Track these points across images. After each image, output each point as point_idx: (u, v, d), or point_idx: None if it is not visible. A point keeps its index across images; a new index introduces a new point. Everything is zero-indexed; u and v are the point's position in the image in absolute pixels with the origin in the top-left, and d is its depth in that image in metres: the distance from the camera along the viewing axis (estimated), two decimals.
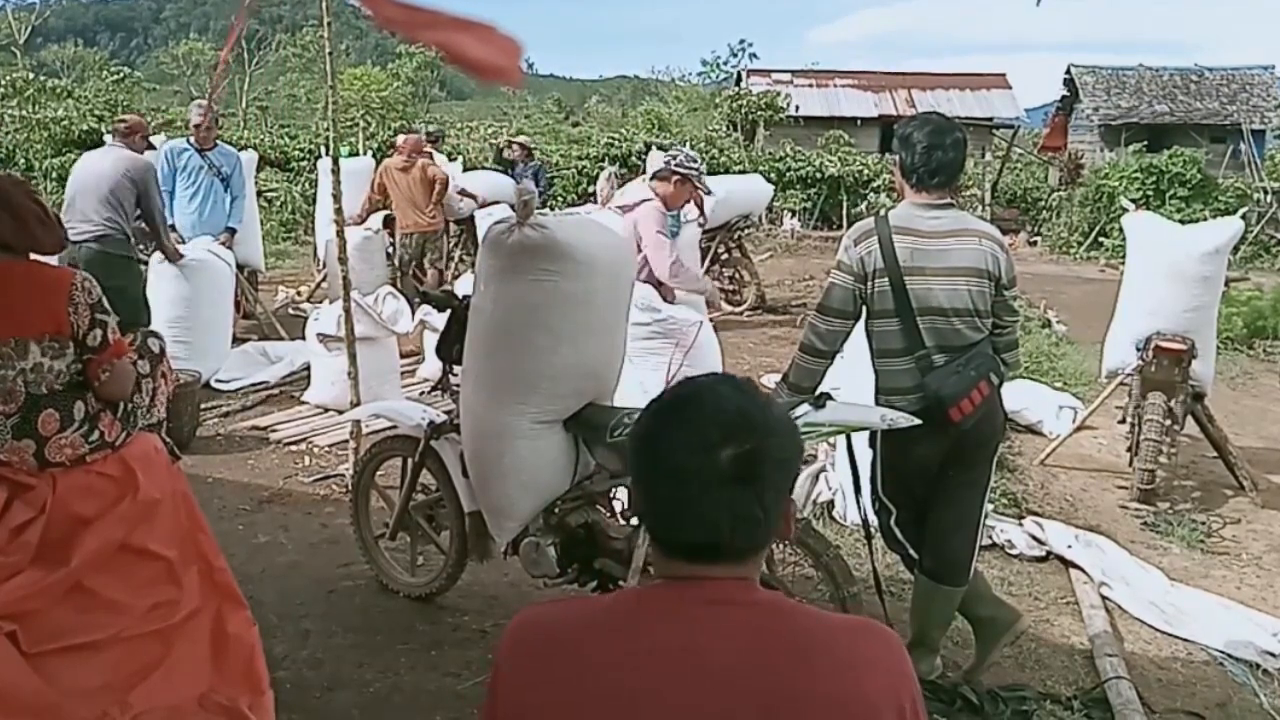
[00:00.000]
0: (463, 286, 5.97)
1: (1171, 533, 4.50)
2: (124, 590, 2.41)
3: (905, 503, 3.04)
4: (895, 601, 3.38)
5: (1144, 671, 3.31)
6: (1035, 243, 17.38)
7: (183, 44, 41.57)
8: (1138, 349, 5.01)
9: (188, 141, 7.16)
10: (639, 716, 1.07)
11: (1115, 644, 3.40)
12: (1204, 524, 4.61)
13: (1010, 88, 29.84)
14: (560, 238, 2.88)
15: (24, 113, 16.74)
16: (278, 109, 30.41)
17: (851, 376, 3.38)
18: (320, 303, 7.35)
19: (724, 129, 22.83)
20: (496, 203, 8.80)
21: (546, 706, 1.10)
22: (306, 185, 15.63)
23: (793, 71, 30.95)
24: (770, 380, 3.12)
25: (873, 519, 3.04)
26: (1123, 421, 5.27)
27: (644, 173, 7.56)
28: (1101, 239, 16.04)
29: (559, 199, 16.49)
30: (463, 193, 9.06)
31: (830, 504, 4.36)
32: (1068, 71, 28.25)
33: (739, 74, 32.53)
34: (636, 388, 4.00)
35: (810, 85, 29.52)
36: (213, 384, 6.28)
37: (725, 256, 9.38)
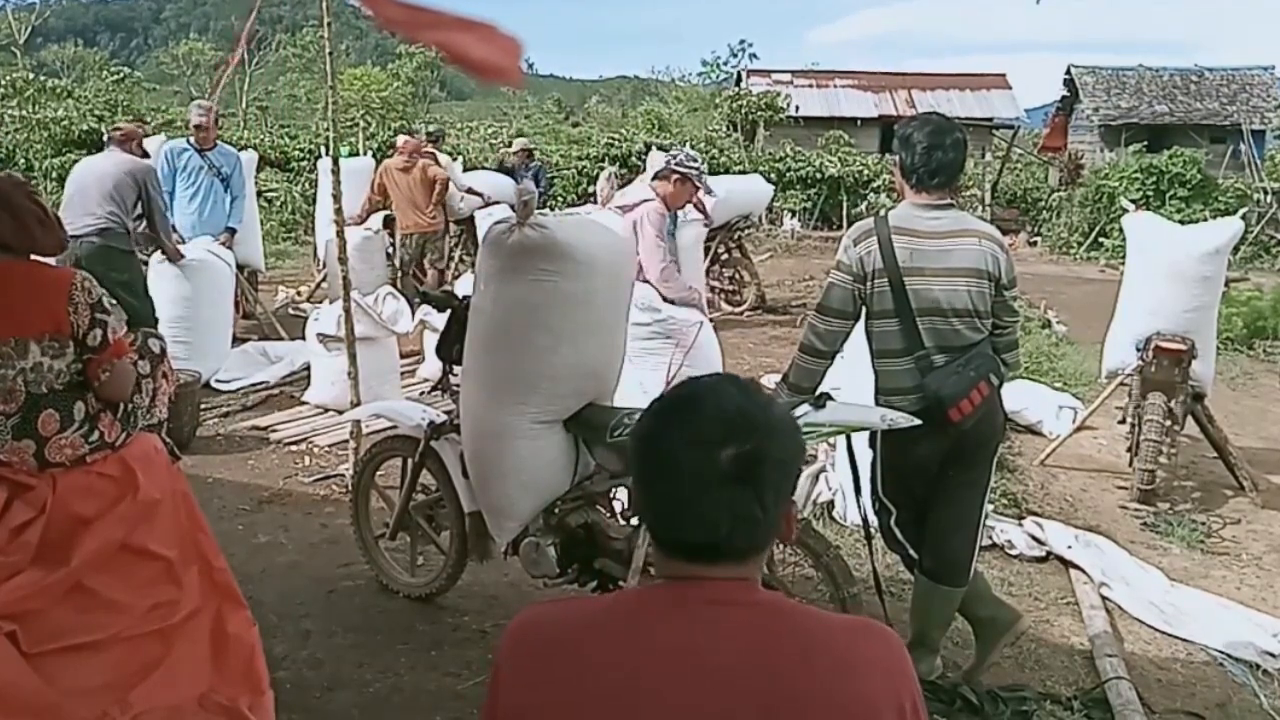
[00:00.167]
0: (463, 286, 5.98)
1: (1171, 533, 4.50)
2: (124, 590, 2.41)
3: (905, 503, 3.04)
4: (895, 601, 3.38)
5: (1144, 672, 3.31)
6: (1035, 243, 17.38)
7: (183, 44, 41.59)
8: (1138, 349, 5.01)
9: (188, 141, 7.16)
10: (639, 716, 1.07)
11: (1115, 644, 3.40)
12: (1204, 524, 4.61)
13: (1010, 88, 29.85)
14: (560, 238, 2.88)
15: (24, 113, 16.75)
16: (278, 109, 30.42)
17: (851, 376, 3.38)
18: (320, 303, 7.35)
19: (724, 129, 22.83)
20: (497, 203, 8.80)
21: (546, 706, 1.10)
22: (306, 185, 15.64)
23: (793, 72, 30.96)
24: (770, 380, 3.12)
25: (873, 519, 3.04)
26: (1123, 422, 5.27)
27: (644, 173, 7.58)
28: (1101, 239, 16.04)
29: (559, 199, 16.50)
30: (470, 190, 9.07)
31: (830, 504, 4.36)
32: (1068, 72, 28.26)
33: (739, 74, 32.53)
34: (636, 388, 4.00)
35: (810, 85, 29.53)
36: (213, 384, 6.28)
37: (725, 256, 9.38)
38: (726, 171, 15.69)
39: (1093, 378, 6.50)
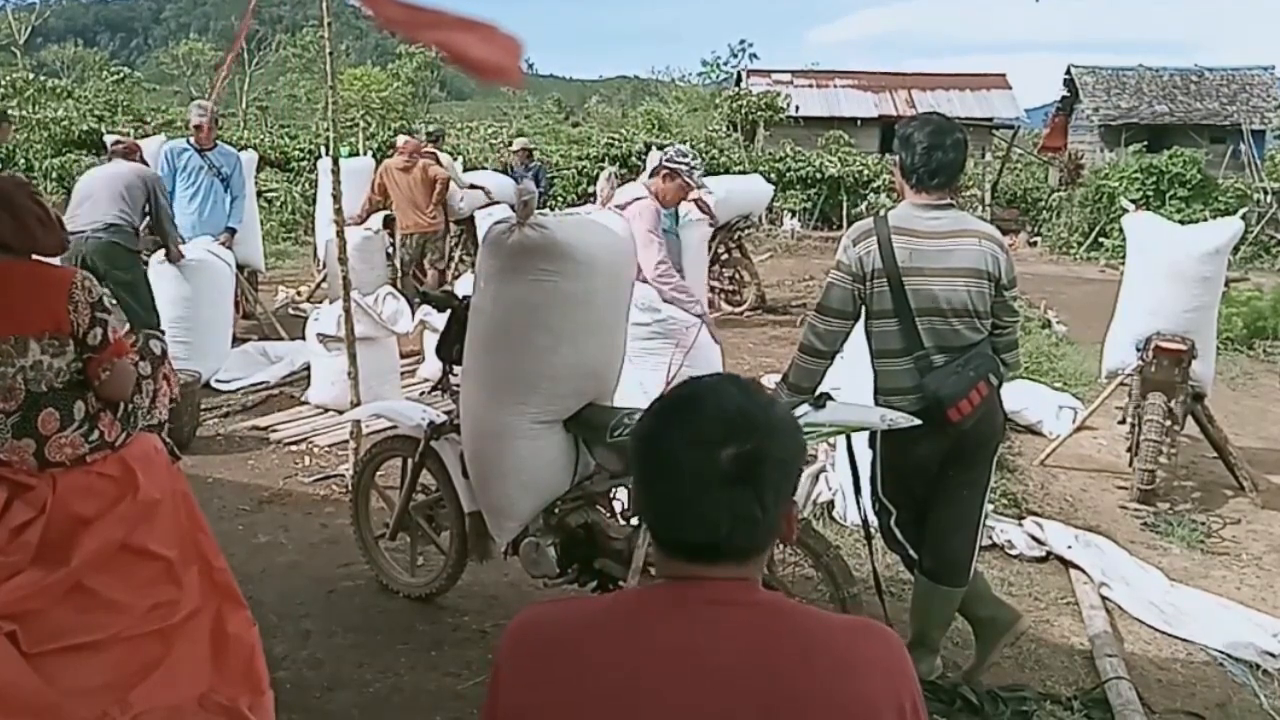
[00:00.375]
0: (463, 286, 5.99)
1: (1171, 533, 4.50)
2: (124, 590, 2.41)
3: (905, 503, 3.03)
4: (895, 601, 3.38)
5: (1144, 672, 3.31)
6: (1035, 243, 17.38)
7: (183, 44, 41.57)
8: (1138, 349, 5.01)
9: (187, 141, 7.17)
10: (639, 716, 1.07)
11: (1115, 644, 3.40)
12: (1204, 524, 4.61)
13: (1010, 88, 29.84)
14: (560, 238, 2.88)
15: (24, 113, 16.75)
16: (278, 109, 30.42)
17: (851, 376, 3.38)
18: (320, 303, 7.35)
19: (724, 129, 22.84)
20: (497, 203, 8.81)
21: (547, 707, 1.10)
22: (306, 185, 15.65)
23: (793, 72, 30.96)
24: (770, 380, 3.12)
25: (873, 519, 3.04)
26: (1123, 422, 5.27)
27: (644, 173, 7.55)
28: (1101, 239, 16.05)
29: (559, 199, 16.50)
30: (473, 186, 9.08)
31: (830, 504, 4.36)
32: (1068, 72, 28.26)
33: (739, 74, 32.53)
34: (636, 388, 4.00)
35: (810, 85, 29.53)
36: (213, 384, 6.29)
37: (725, 256, 9.38)
38: (726, 171, 15.69)
39: (1093, 378, 6.50)
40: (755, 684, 1.06)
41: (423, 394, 5.62)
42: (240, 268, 7.22)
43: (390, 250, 8.59)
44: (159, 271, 6.25)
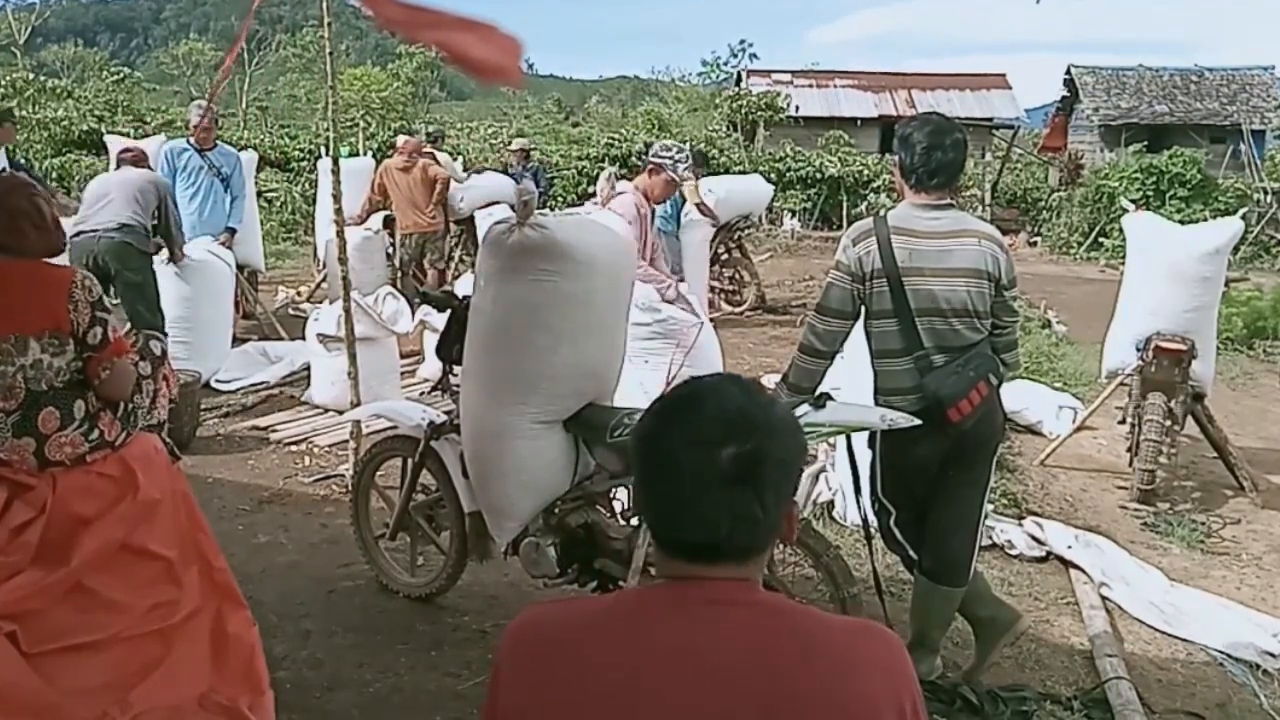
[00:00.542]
0: (463, 286, 5.98)
1: (1171, 533, 4.50)
2: (124, 590, 2.41)
3: (905, 503, 3.03)
4: (895, 602, 3.38)
5: (1144, 672, 3.31)
6: (1035, 243, 17.38)
7: (183, 44, 41.54)
8: (1138, 349, 5.01)
9: (187, 141, 7.17)
10: (639, 716, 1.07)
11: (1115, 644, 3.40)
12: (1204, 524, 4.61)
13: (1010, 88, 29.83)
14: (560, 238, 2.88)
15: (24, 113, 16.74)
16: (278, 109, 30.40)
17: (851, 376, 3.38)
18: (320, 303, 7.35)
19: (724, 129, 22.83)
20: (497, 203, 8.80)
21: (547, 707, 1.10)
22: (306, 185, 15.65)
23: (793, 72, 30.94)
24: (770, 381, 3.12)
25: (873, 519, 3.04)
26: (1123, 422, 5.27)
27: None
28: (1101, 239, 16.04)
29: (559, 199, 16.50)
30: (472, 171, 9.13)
31: (830, 504, 4.36)
32: (1068, 72, 28.25)
33: (739, 74, 32.52)
34: (636, 388, 4.00)
35: (810, 85, 29.51)
36: (213, 384, 6.29)
37: (725, 256, 9.39)
38: (726, 171, 15.69)
39: (1093, 378, 6.50)
40: (755, 684, 1.06)
41: (423, 394, 5.62)
42: (240, 268, 7.22)
43: (390, 250, 8.59)
44: (159, 271, 6.25)
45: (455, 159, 11.16)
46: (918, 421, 2.72)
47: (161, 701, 2.38)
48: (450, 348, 3.38)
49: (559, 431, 3.05)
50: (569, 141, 20.11)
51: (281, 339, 7.27)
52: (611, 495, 3.22)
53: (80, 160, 15.93)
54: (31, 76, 20.57)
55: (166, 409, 2.79)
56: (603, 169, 9.54)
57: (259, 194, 11.36)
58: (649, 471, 1.16)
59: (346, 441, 4.92)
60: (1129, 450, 5.11)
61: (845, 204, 18.37)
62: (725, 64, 45.02)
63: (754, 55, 46.70)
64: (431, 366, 6.19)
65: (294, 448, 5.37)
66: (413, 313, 6.55)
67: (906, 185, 2.88)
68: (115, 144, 8.55)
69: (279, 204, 15.60)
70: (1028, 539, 4.19)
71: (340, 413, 5.47)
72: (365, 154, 11.73)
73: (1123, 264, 5.93)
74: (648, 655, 1.09)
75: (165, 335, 5.71)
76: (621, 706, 1.07)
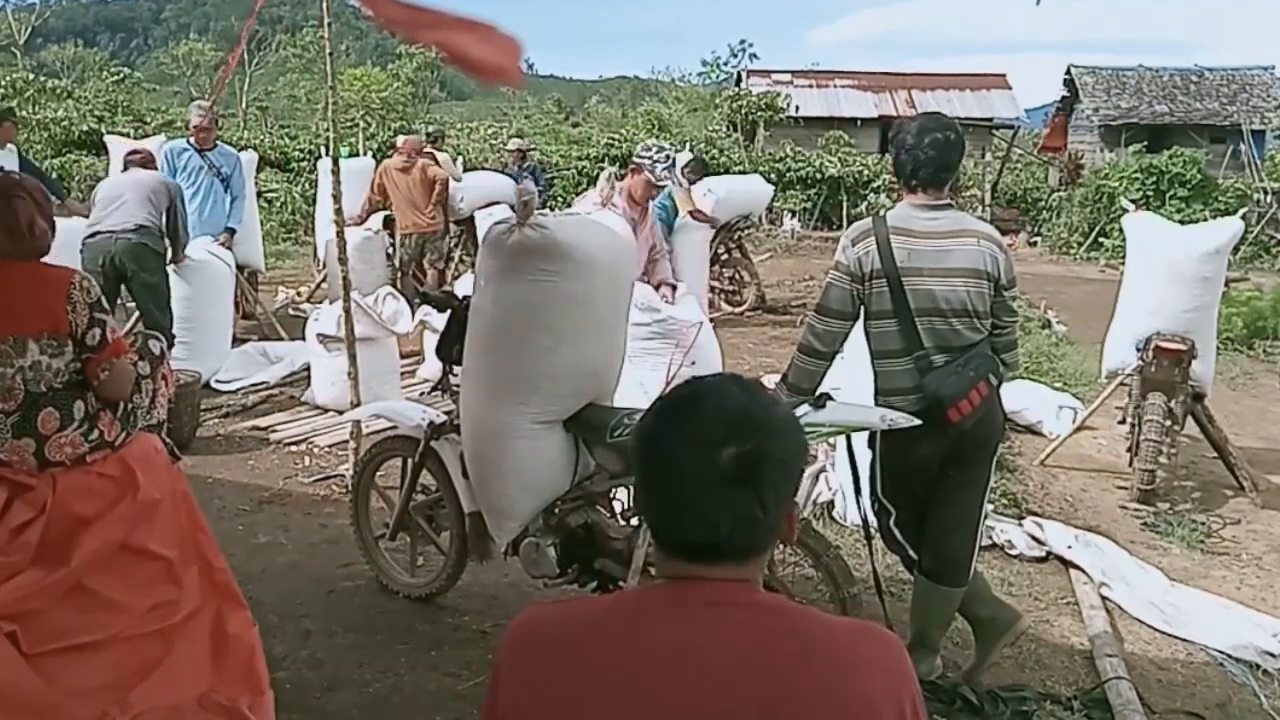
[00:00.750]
0: (463, 286, 5.99)
1: (1171, 533, 4.50)
2: (124, 590, 2.41)
3: (905, 503, 3.03)
4: (895, 602, 3.38)
5: (1144, 672, 3.31)
6: (1035, 243, 17.39)
7: (183, 44, 41.55)
8: (1138, 349, 5.01)
9: (187, 142, 7.16)
10: (639, 716, 1.07)
11: (1115, 644, 3.40)
12: (1204, 524, 4.61)
13: (1010, 88, 29.84)
14: (560, 238, 2.88)
15: (24, 113, 16.75)
16: (278, 109, 30.40)
17: (851, 376, 3.38)
18: (320, 303, 7.35)
19: (724, 129, 22.84)
20: (496, 203, 8.81)
21: (547, 707, 1.10)
22: (306, 186, 15.65)
23: (793, 72, 30.95)
24: (770, 381, 3.12)
25: (873, 519, 3.04)
26: (1123, 422, 5.27)
27: None
28: (1101, 239, 16.05)
29: (559, 199, 16.51)
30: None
31: (830, 504, 4.36)
32: (1068, 72, 28.25)
33: (739, 74, 32.53)
34: (636, 388, 4.00)
35: (810, 86, 29.52)
36: (213, 384, 6.29)
37: (725, 256, 9.39)
38: (726, 172, 15.69)
39: (1093, 378, 6.50)
40: (755, 684, 1.06)
41: (423, 394, 5.62)
42: (240, 268, 7.22)
43: (390, 250, 8.59)
44: None
45: (455, 159, 11.16)
46: (918, 421, 2.72)
47: (161, 701, 2.38)
48: (450, 348, 3.38)
49: (559, 431, 3.04)
50: (569, 142, 20.12)
51: (281, 339, 7.27)
52: (611, 495, 3.22)
53: (80, 161, 15.93)
54: (31, 77, 20.58)
55: (166, 408, 2.79)
56: (603, 169, 9.55)
57: (259, 194, 11.36)
58: (649, 471, 1.16)
59: (346, 441, 4.92)
60: (1129, 450, 5.11)
61: (845, 204, 18.37)
62: (725, 64, 45.07)
63: (754, 55, 46.78)
64: (431, 366, 6.19)
65: (294, 448, 5.37)
66: (413, 313, 6.55)
67: (903, 186, 2.89)
68: (115, 144, 8.57)
69: (279, 204, 15.60)
70: (1028, 539, 4.19)
71: (340, 413, 5.47)
72: (365, 154, 11.73)
73: (1123, 264, 5.93)
74: (648, 655, 1.09)
75: (174, 336, 5.79)
76: (621, 706, 1.07)
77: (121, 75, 25.79)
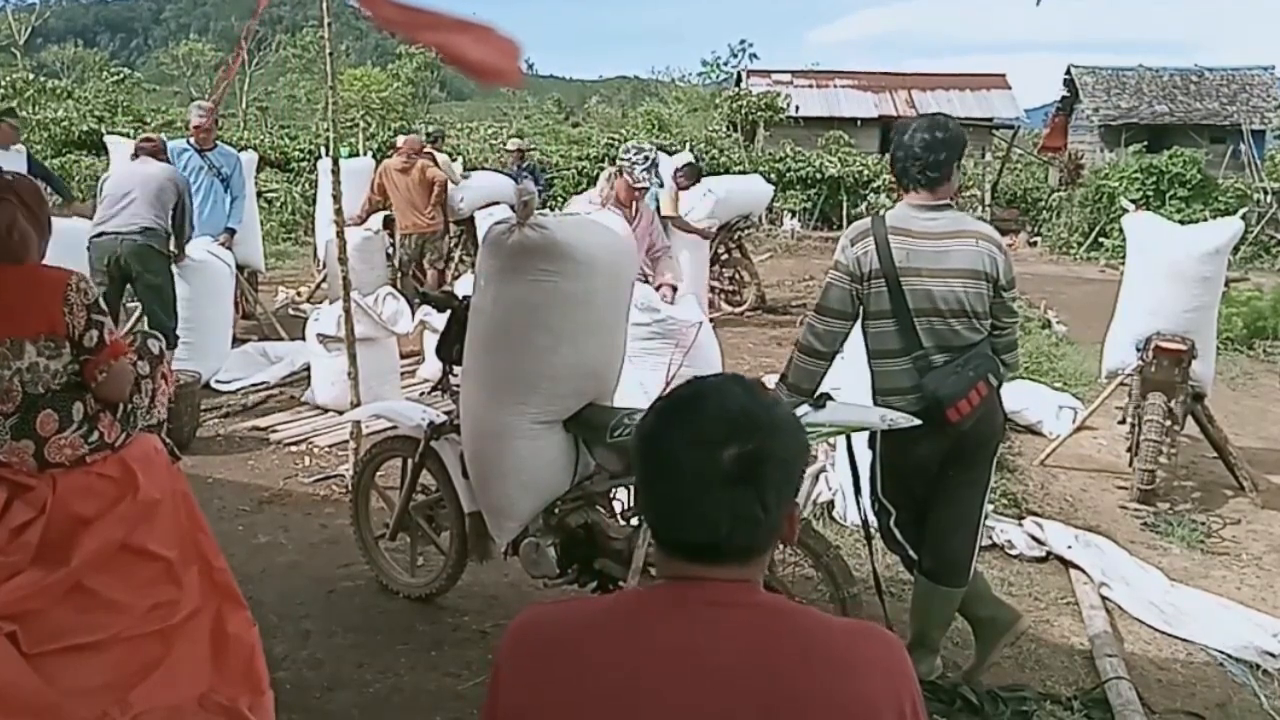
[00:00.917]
0: (463, 286, 5.99)
1: (1171, 533, 4.50)
2: (124, 590, 2.41)
3: (905, 503, 3.03)
4: (895, 602, 3.38)
5: (1144, 672, 3.31)
6: (1035, 243, 17.39)
7: (183, 45, 41.51)
8: (1138, 349, 5.01)
9: (187, 142, 7.16)
10: (639, 716, 1.07)
11: (1115, 644, 3.40)
12: (1204, 524, 4.61)
13: (1010, 88, 29.83)
14: (560, 238, 2.88)
15: (24, 113, 16.73)
16: (278, 109, 30.39)
17: (851, 376, 3.38)
18: (320, 303, 7.35)
19: (724, 129, 22.84)
20: (496, 203, 8.80)
21: (547, 707, 1.10)
22: (306, 186, 15.65)
23: (793, 72, 30.95)
24: (770, 381, 3.12)
25: (873, 519, 3.04)
26: (1123, 422, 5.27)
27: None
28: (1101, 239, 16.05)
29: (559, 199, 16.51)
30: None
31: (830, 504, 4.36)
32: (1068, 72, 28.25)
33: (739, 74, 32.52)
34: (636, 388, 4.00)
35: (810, 86, 29.51)
36: (213, 384, 6.29)
37: (725, 256, 9.39)
38: (726, 172, 15.69)
39: (1093, 378, 6.50)
40: (755, 684, 1.06)
41: (423, 394, 5.62)
42: (240, 268, 7.22)
43: (390, 250, 8.59)
44: None
45: (455, 159, 11.15)
46: (918, 421, 2.72)
47: (161, 701, 2.38)
48: (450, 348, 3.38)
49: (559, 431, 3.04)
50: (569, 142, 20.12)
51: (281, 339, 7.27)
52: (611, 495, 3.22)
53: (80, 161, 15.93)
54: (31, 77, 20.58)
55: (166, 408, 2.79)
56: (603, 169, 9.55)
57: (259, 194, 11.36)
58: (650, 471, 1.16)
59: (346, 441, 4.92)
60: (1129, 450, 5.10)
61: (845, 204, 18.38)
62: (725, 64, 45.04)
63: (754, 55, 46.73)
64: (431, 366, 6.19)
65: (294, 448, 5.37)
66: (413, 313, 6.55)
67: (900, 186, 2.90)
68: (115, 145, 8.56)
69: (279, 204, 15.59)
70: (1028, 539, 4.19)
71: (340, 413, 5.47)
72: (365, 154, 11.73)
73: (1123, 264, 5.93)
74: (648, 655, 1.09)
75: (177, 337, 5.79)
76: (621, 706, 1.07)
77: (121, 75, 25.80)
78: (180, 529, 2.56)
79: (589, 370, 3.05)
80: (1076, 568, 4.00)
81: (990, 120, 25.93)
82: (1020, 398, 5.79)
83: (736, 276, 9.52)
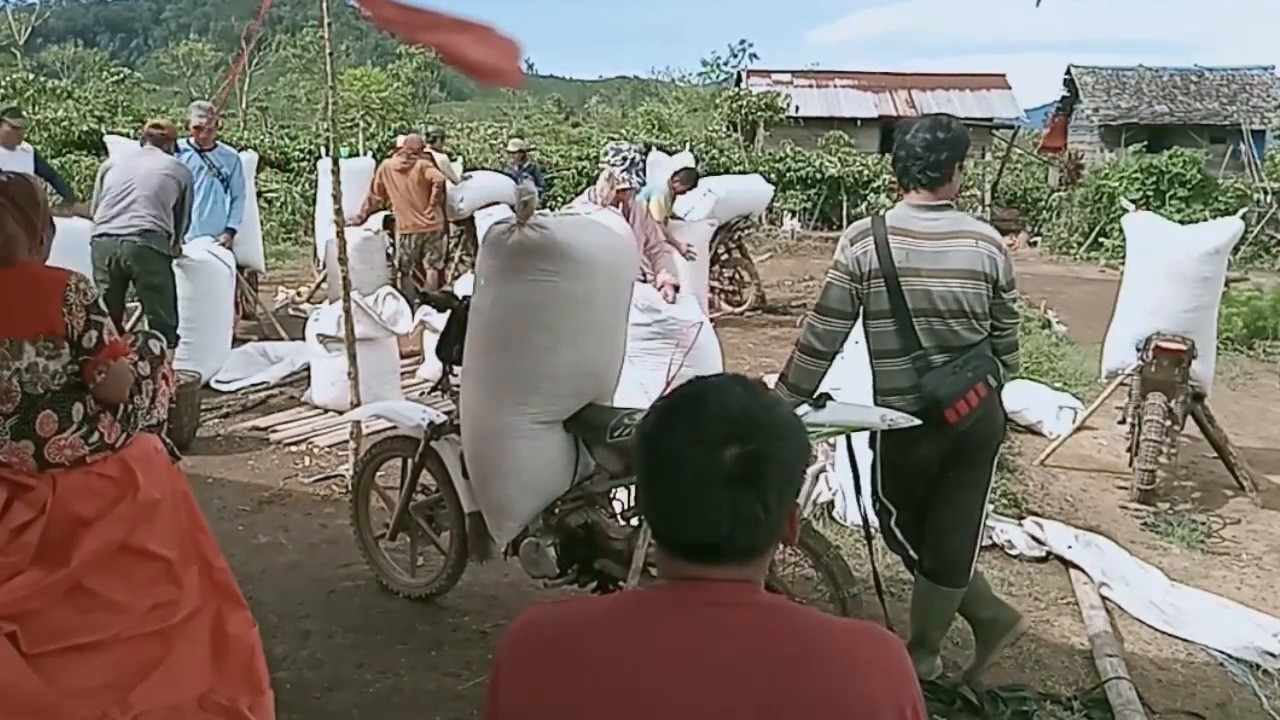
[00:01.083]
0: (463, 286, 5.99)
1: (1171, 533, 4.50)
2: (124, 590, 2.41)
3: (905, 503, 3.03)
4: (895, 602, 3.38)
5: (1144, 672, 3.31)
6: (1035, 243, 17.39)
7: (183, 45, 41.50)
8: (1138, 349, 5.01)
9: (188, 142, 7.16)
10: (639, 717, 1.07)
11: (1115, 644, 3.40)
12: (1204, 524, 4.61)
13: (1010, 88, 29.83)
14: (560, 238, 2.88)
15: (24, 113, 16.73)
16: (278, 109, 30.38)
17: (851, 376, 3.38)
18: (320, 303, 7.35)
19: (724, 129, 22.84)
20: (496, 203, 8.80)
21: (547, 707, 1.10)
22: (306, 186, 15.65)
23: (793, 72, 30.95)
24: (770, 381, 3.12)
25: (873, 519, 3.04)
26: (1123, 422, 5.27)
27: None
28: (1101, 239, 16.05)
29: (559, 199, 16.51)
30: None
31: (830, 504, 4.36)
32: (1068, 72, 28.25)
33: (739, 74, 32.52)
34: (636, 388, 4.01)
35: (810, 86, 29.51)
36: (213, 384, 6.29)
37: (725, 256, 9.39)
38: (727, 172, 15.69)
39: (1093, 378, 6.50)
40: (755, 684, 1.06)
41: (423, 394, 5.62)
42: (240, 268, 7.22)
43: (390, 250, 8.59)
44: None
45: (454, 160, 11.15)
46: (918, 421, 2.72)
47: (161, 702, 2.38)
48: (450, 348, 3.38)
49: (559, 431, 3.04)
50: (569, 142, 20.13)
51: (281, 339, 7.27)
52: (611, 495, 3.22)
53: (80, 160, 15.92)
54: (31, 77, 20.57)
55: (166, 408, 2.79)
56: (602, 170, 9.55)
57: (259, 194, 11.36)
58: (651, 470, 1.16)
59: (346, 442, 4.92)
60: (1129, 450, 5.11)
61: (845, 204, 18.38)
62: (725, 64, 44.99)
63: (754, 55, 46.68)
64: (431, 366, 6.19)
65: (294, 448, 5.37)
66: (413, 313, 6.55)
67: (900, 186, 2.90)
68: (115, 145, 8.55)
69: (279, 204, 15.59)
70: (1028, 539, 4.19)
71: (340, 413, 5.47)
72: (365, 154, 11.73)
73: (1123, 264, 5.93)
74: (648, 656, 1.09)
75: (179, 337, 5.78)
76: (621, 707, 1.07)
77: (121, 75, 25.79)
78: (180, 529, 2.56)
79: (589, 370, 3.05)
80: (1076, 568, 4.00)
81: (990, 120, 25.92)
82: (1020, 398, 5.79)
83: (736, 276, 9.52)
